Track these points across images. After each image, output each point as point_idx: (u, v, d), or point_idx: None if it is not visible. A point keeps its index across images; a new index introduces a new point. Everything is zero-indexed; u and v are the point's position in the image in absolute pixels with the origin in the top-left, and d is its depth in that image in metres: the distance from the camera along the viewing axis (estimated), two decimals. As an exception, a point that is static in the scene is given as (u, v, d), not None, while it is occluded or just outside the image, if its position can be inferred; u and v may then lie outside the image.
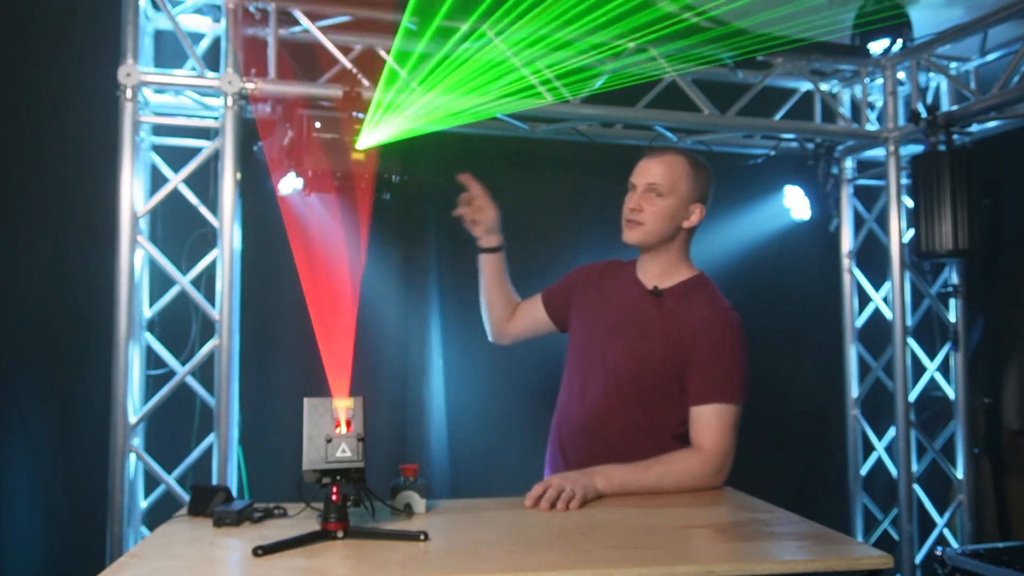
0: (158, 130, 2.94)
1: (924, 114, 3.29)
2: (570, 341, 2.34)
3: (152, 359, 2.80)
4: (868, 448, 3.81)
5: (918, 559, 3.57)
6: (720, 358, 2.11)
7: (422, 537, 1.64)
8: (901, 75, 3.54)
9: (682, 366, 2.10)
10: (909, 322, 3.60)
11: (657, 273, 2.20)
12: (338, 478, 1.67)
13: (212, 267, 2.75)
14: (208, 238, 2.79)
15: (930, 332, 3.77)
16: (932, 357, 3.75)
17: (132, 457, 2.65)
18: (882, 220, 3.67)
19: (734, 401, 2.11)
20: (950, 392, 3.74)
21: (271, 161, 2.65)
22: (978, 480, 3.74)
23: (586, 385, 2.22)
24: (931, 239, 3.25)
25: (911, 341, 3.61)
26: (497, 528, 1.81)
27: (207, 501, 1.90)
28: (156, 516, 2.67)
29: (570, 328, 2.36)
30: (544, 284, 2.55)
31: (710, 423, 2.08)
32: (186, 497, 2.42)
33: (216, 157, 2.74)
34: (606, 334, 2.20)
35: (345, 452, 1.67)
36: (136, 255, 2.67)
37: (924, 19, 3.28)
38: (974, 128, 3.52)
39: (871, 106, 3.69)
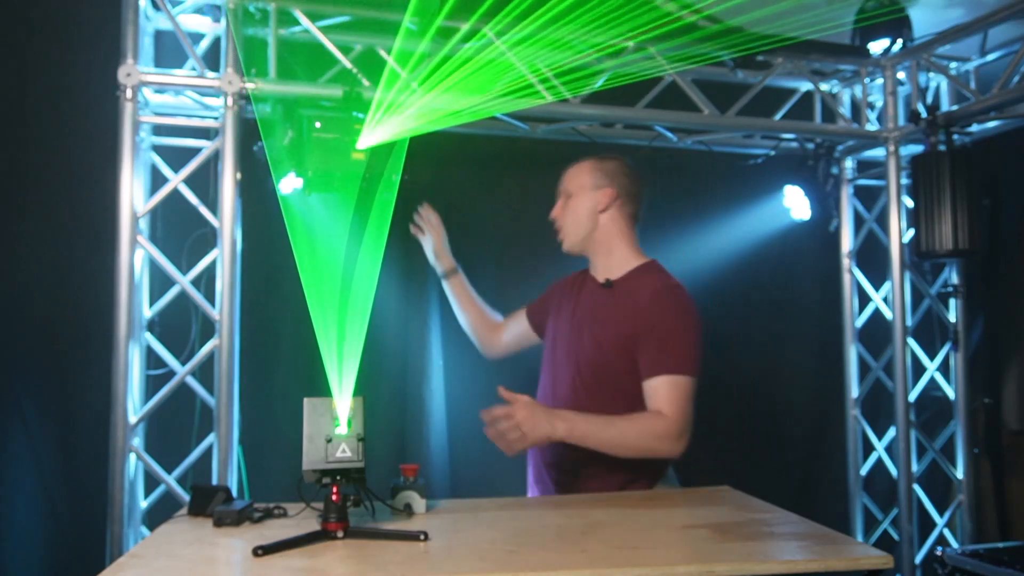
0: (158, 130, 2.94)
1: (924, 114, 3.29)
2: (544, 347, 2.43)
3: (152, 359, 2.80)
4: (868, 448, 3.81)
5: (918, 559, 3.57)
6: (670, 332, 2.11)
7: (422, 537, 1.64)
8: (901, 75, 3.54)
9: (635, 345, 2.12)
10: (909, 322, 3.60)
11: (607, 267, 2.28)
12: (338, 478, 1.67)
13: (212, 267, 2.75)
14: (208, 238, 2.78)
15: (930, 332, 3.77)
16: (932, 357, 3.75)
17: (132, 457, 2.65)
18: (882, 220, 3.67)
19: (687, 373, 2.08)
20: (950, 392, 3.74)
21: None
22: (978, 480, 3.74)
23: (555, 382, 2.29)
24: (931, 239, 3.25)
25: (911, 341, 3.61)
26: (497, 528, 1.81)
27: (207, 501, 1.91)
28: (156, 516, 2.67)
29: (544, 335, 2.45)
30: (543, 284, 2.57)
31: (665, 393, 2.06)
32: (186, 497, 2.42)
33: (216, 157, 2.73)
34: (569, 332, 2.28)
35: (345, 452, 1.67)
36: (136, 255, 2.66)
37: (924, 19, 3.28)
38: (974, 128, 3.52)
39: (871, 106, 3.69)
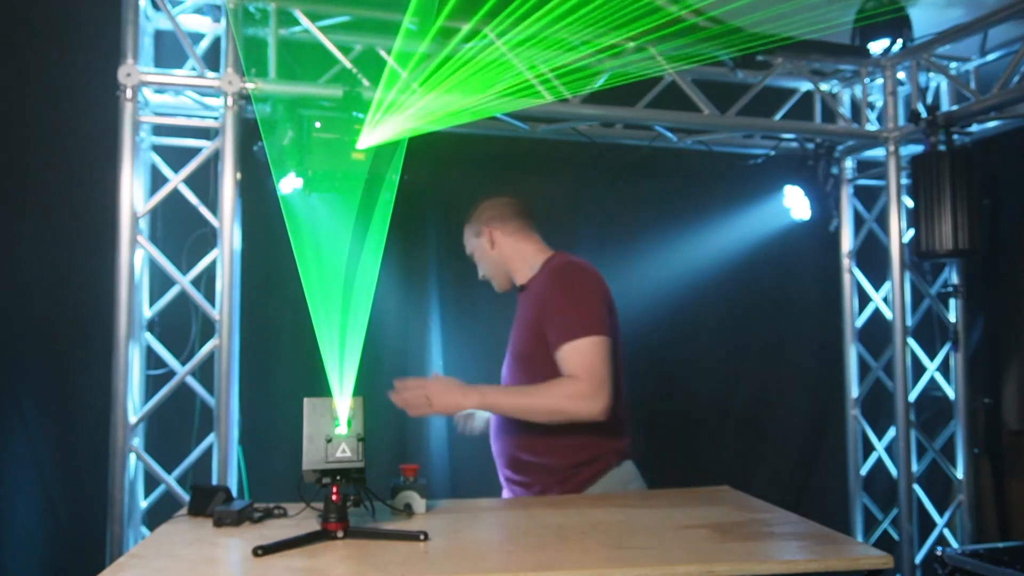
0: (158, 130, 2.94)
1: (924, 114, 3.29)
2: None
3: (152, 359, 2.80)
4: (868, 448, 3.81)
5: (918, 559, 3.57)
6: (563, 304, 2.19)
7: (422, 537, 1.65)
8: (901, 75, 3.54)
9: (542, 329, 2.20)
10: (909, 322, 3.60)
11: (522, 276, 2.42)
12: (338, 478, 1.67)
13: (212, 267, 2.75)
14: (208, 238, 2.78)
15: (930, 332, 3.77)
16: (932, 357, 3.75)
17: (132, 457, 2.65)
18: (882, 220, 3.67)
19: (593, 333, 2.12)
20: (950, 392, 3.74)
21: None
22: (978, 480, 3.74)
23: (505, 380, 2.42)
24: (931, 239, 3.25)
25: (911, 341, 3.61)
26: (497, 528, 1.81)
27: (207, 501, 1.91)
28: (156, 516, 2.67)
29: None
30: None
31: (572, 359, 2.12)
32: (186, 497, 2.42)
33: (216, 157, 2.73)
34: (509, 340, 2.42)
35: (345, 452, 1.67)
36: (136, 255, 2.66)
37: (924, 19, 3.28)
38: (974, 128, 3.52)
39: (871, 106, 3.69)
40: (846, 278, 3.85)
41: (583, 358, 2.10)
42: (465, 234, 2.51)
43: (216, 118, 2.80)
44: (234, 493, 2.00)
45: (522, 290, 2.41)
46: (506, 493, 2.41)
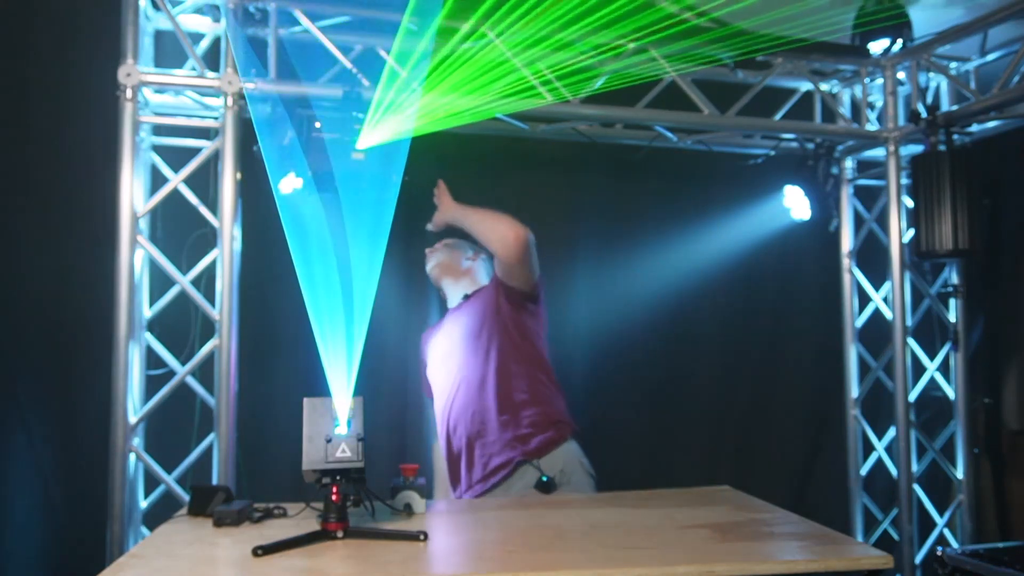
0: (158, 130, 2.94)
1: (924, 114, 3.29)
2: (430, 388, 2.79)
3: (152, 359, 2.80)
4: (868, 448, 3.81)
5: (918, 559, 3.57)
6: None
7: (422, 537, 1.65)
8: (901, 75, 3.54)
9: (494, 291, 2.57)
10: (909, 322, 3.60)
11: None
12: (338, 478, 1.67)
13: (212, 267, 2.75)
14: (208, 238, 2.78)
15: (930, 332, 3.76)
16: (932, 357, 3.75)
17: (132, 457, 2.65)
18: (882, 220, 3.67)
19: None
20: (950, 392, 3.74)
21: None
22: (978, 480, 3.74)
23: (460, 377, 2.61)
24: (931, 239, 3.25)
25: (911, 341, 3.60)
26: (497, 528, 1.81)
27: (207, 501, 1.91)
28: (156, 516, 2.66)
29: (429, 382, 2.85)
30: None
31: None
32: (186, 497, 2.42)
33: (216, 157, 2.74)
34: (451, 343, 2.69)
35: (345, 452, 1.67)
36: (136, 255, 2.66)
37: (924, 19, 3.28)
38: (974, 128, 3.52)
39: (871, 106, 3.69)
40: (846, 278, 3.85)
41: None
42: (462, 247, 2.82)
43: (216, 118, 2.80)
44: (234, 493, 2.00)
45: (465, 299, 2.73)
46: (464, 476, 2.51)
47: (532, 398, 2.49)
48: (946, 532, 3.72)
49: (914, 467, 3.56)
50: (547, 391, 2.56)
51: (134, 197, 2.65)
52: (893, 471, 3.66)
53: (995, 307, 3.79)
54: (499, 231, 2.47)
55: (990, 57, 3.44)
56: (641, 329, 3.65)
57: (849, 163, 3.85)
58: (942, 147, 3.25)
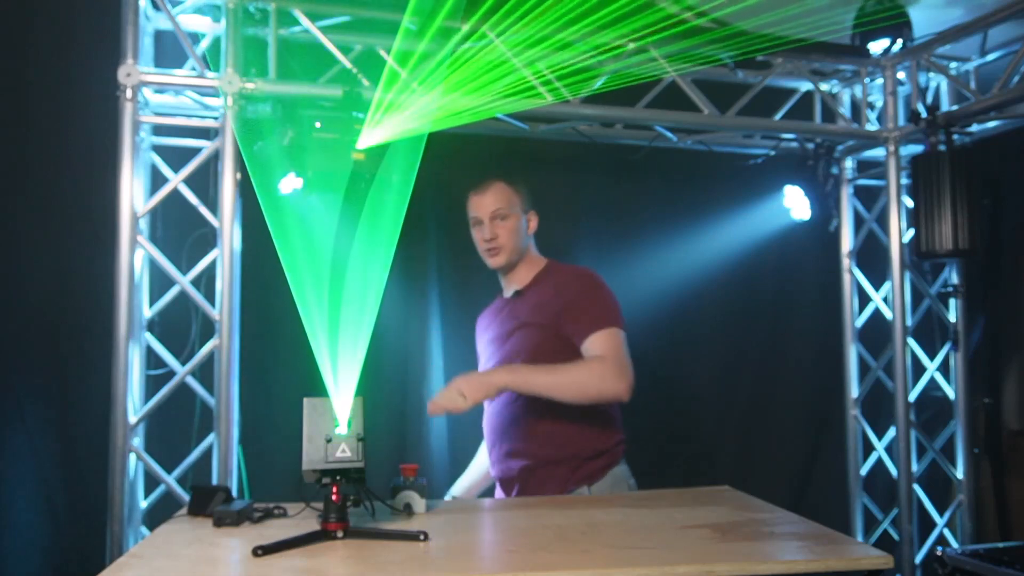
0: (158, 130, 2.94)
1: (924, 114, 3.29)
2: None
3: (152, 359, 2.80)
4: (868, 448, 3.81)
5: (918, 559, 3.57)
6: (591, 300, 2.29)
7: (422, 537, 1.65)
8: (901, 75, 3.54)
9: (561, 322, 2.28)
10: (909, 322, 3.60)
11: (517, 280, 2.47)
12: (338, 478, 1.67)
13: (212, 267, 2.75)
14: (208, 238, 2.78)
15: (930, 332, 3.77)
16: (932, 357, 3.75)
17: (132, 457, 2.65)
18: (882, 220, 3.67)
19: (614, 325, 2.24)
20: (950, 392, 3.74)
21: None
22: (978, 480, 3.74)
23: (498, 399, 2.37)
24: (931, 239, 3.25)
25: (911, 341, 3.61)
26: (497, 528, 1.81)
27: (207, 501, 1.91)
28: (156, 516, 2.67)
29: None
30: None
31: (600, 343, 2.20)
32: (186, 497, 2.42)
33: (216, 157, 2.73)
34: (497, 349, 2.44)
35: (345, 452, 1.67)
36: (136, 255, 2.66)
37: (924, 19, 3.28)
38: (974, 128, 3.52)
39: (871, 106, 3.69)
40: (846, 278, 3.85)
41: (611, 343, 2.20)
42: (501, 192, 2.46)
43: (216, 118, 2.80)
44: (234, 493, 2.00)
45: (517, 296, 2.45)
46: (499, 493, 2.41)
47: (576, 426, 2.29)
48: (946, 532, 3.72)
49: (914, 467, 3.56)
50: (599, 415, 2.33)
51: (134, 197, 2.65)
52: (893, 471, 3.66)
53: (995, 307, 3.79)
54: (603, 388, 2.17)
55: (990, 57, 3.44)
56: (640, 329, 3.63)
57: (849, 163, 3.85)
58: (942, 147, 3.25)
